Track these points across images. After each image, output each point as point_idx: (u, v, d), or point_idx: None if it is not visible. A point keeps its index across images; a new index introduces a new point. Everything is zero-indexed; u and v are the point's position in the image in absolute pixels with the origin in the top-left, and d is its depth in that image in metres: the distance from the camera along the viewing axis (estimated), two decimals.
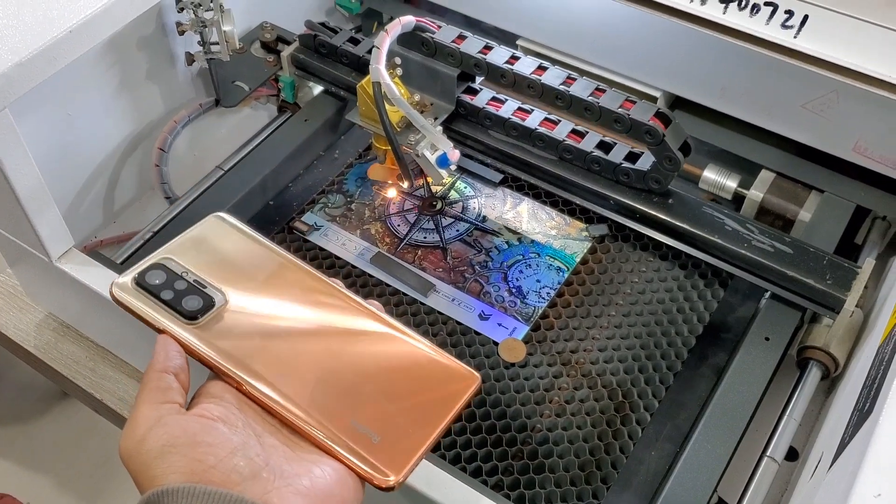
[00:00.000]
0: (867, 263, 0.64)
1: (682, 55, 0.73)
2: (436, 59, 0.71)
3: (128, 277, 0.46)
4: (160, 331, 0.44)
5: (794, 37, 0.65)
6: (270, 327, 0.45)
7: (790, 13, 0.66)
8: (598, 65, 0.81)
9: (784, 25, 0.66)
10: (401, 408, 0.44)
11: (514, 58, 0.70)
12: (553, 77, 0.68)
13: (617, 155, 0.69)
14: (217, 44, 0.75)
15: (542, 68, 0.69)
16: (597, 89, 0.67)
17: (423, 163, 0.68)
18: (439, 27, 0.70)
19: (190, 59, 0.76)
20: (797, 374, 0.65)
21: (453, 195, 0.80)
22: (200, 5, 0.72)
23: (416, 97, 0.72)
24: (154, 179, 0.79)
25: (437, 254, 0.76)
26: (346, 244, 0.76)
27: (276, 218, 0.78)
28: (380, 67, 0.64)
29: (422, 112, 0.71)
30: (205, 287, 0.46)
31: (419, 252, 0.76)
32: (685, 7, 0.70)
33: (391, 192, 0.80)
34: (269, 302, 0.46)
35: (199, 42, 0.75)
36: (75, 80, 0.67)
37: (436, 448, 0.63)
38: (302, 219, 0.78)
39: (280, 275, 0.48)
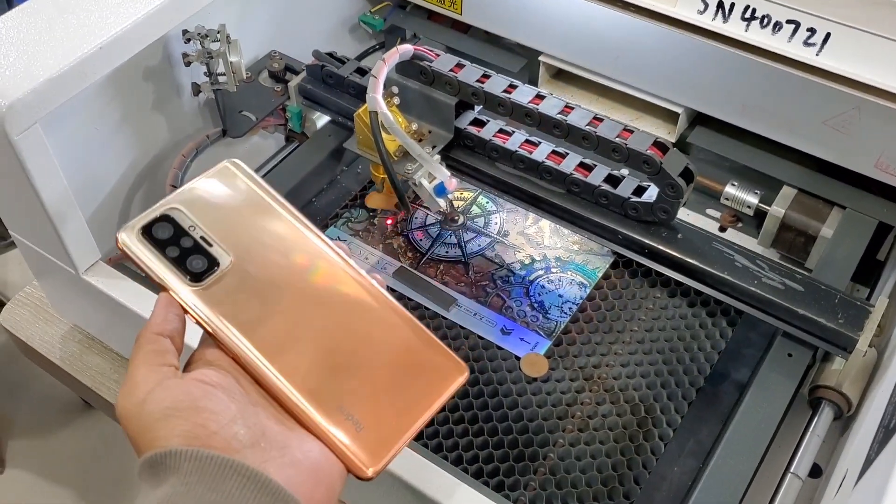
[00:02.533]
0: (880, 302, 0.64)
1: (704, 72, 0.73)
2: (434, 87, 0.71)
3: (135, 227, 0.45)
4: (162, 287, 0.44)
5: (817, 54, 0.66)
6: (271, 296, 0.45)
7: (812, 31, 0.66)
8: (620, 81, 0.81)
9: (806, 43, 0.66)
10: (387, 396, 0.44)
11: (512, 86, 0.69)
12: (550, 106, 0.68)
13: (625, 189, 0.68)
14: (224, 74, 0.75)
15: (539, 97, 0.68)
16: (595, 118, 0.67)
17: (421, 192, 0.68)
18: (437, 55, 0.70)
19: (196, 89, 0.76)
20: (809, 414, 0.64)
21: (475, 210, 0.81)
22: (207, 36, 0.72)
23: (414, 126, 0.72)
24: None
25: (459, 268, 0.76)
26: (368, 258, 0.77)
27: None
28: (376, 96, 0.65)
29: (420, 141, 0.71)
30: (211, 246, 0.45)
31: (441, 266, 0.76)
32: (707, 25, 0.70)
33: (389, 221, 0.80)
34: (273, 269, 0.46)
35: (205, 73, 0.75)
36: (79, 113, 0.67)
37: (458, 461, 0.63)
38: (325, 233, 0.79)
39: (287, 237, 0.47)
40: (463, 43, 0.90)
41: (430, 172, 0.67)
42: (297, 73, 0.81)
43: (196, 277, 0.44)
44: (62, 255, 0.67)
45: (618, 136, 0.65)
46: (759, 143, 0.78)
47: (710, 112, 0.77)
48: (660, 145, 0.64)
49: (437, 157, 0.69)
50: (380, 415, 0.43)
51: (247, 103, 0.80)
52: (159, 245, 0.44)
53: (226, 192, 0.47)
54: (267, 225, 0.47)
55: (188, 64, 0.73)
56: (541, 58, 0.85)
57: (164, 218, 0.45)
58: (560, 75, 0.86)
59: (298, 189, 0.79)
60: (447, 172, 0.66)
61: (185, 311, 0.44)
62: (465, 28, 0.92)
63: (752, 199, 0.76)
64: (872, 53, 0.64)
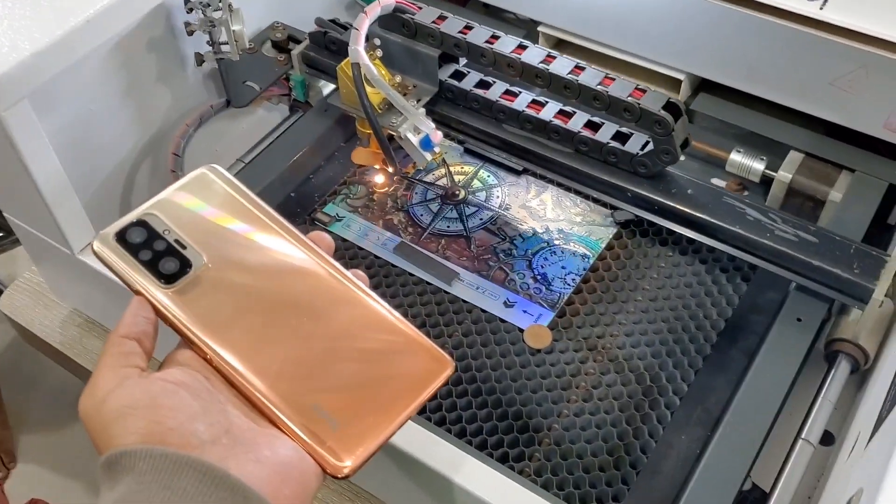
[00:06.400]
0: None
1: (706, 34, 0.72)
2: (416, 40, 0.70)
3: (109, 234, 0.45)
4: (136, 292, 0.44)
5: (821, 8, 0.64)
6: (245, 297, 0.44)
7: None
8: (621, 49, 0.80)
9: None
10: (366, 392, 0.43)
11: (495, 37, 0.68)
12: (532, 56, 0.67)
13: (634, 146, 0.67)
14: (226, 43, 0.75)
15: (521, 47, 0.67)
16: (577, 67, 0.66)
17: (407, 145, 0.67)
18: (420, 8, 0.69)
19: (199, 59, 0.76)
20: (825, 369, 0.63)
21: (476, 184, 0.80)
22: (209, 5, 0.72)
23: (398, 79, 0.71)
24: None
25: (461, 242, 0.75)
26: (368, 234, 0.76)
27: (298, 209, 0.77)
28: (358, 48, 0.64)
29: (404, 94, 0.70)
30: (185, 248, 0.45)
31: (442, 241, 0.75)
32: None
33: (378, 178, 0.79)
34: (248, 269, 0.45)
35: (208, 42, 0.75)
36: (83, 85, 0.66)
37: (462, 434, 0.62)
38: (323, 210, 0.78)
39: (264, 239, 0.46)
40: (461, 15, 0.88)
41: (416, 126, 0.66)
42: (299, 42, 0.80)
43: (168, 280, 0.44)
44: (57, 235, 0.67)
45: (599, 84, 0.64)
46: (764, 108, 0.77)
47: (714, 77, 0.76)
48: (642, 90, 0.63)
49: (422, 110, 0.68)
50: (357, 413, 0.42)
51: (250, 73, 0.80)
52: (132, 249, 0.44)
53: (202, 196, 0.47)
54: (243, 227, 0.46)
55: (191, 33, 0.72)
56: (540, 28, 0.84)
57: (139, 223, 0.45)
58: (560, 46, 0.85)
59: (297, 165, 0.78)
60: (432, 125, 0.66)
61: (158, 314, 0.43)
62: (463, 1, 0.90)
63: (759, 166, 0.75)
64: (879, 4, 0.63)
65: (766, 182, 0.75)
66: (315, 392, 0.42)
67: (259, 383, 0.42)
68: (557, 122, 0.69)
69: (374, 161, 0.73)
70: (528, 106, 0.70)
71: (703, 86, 0.80)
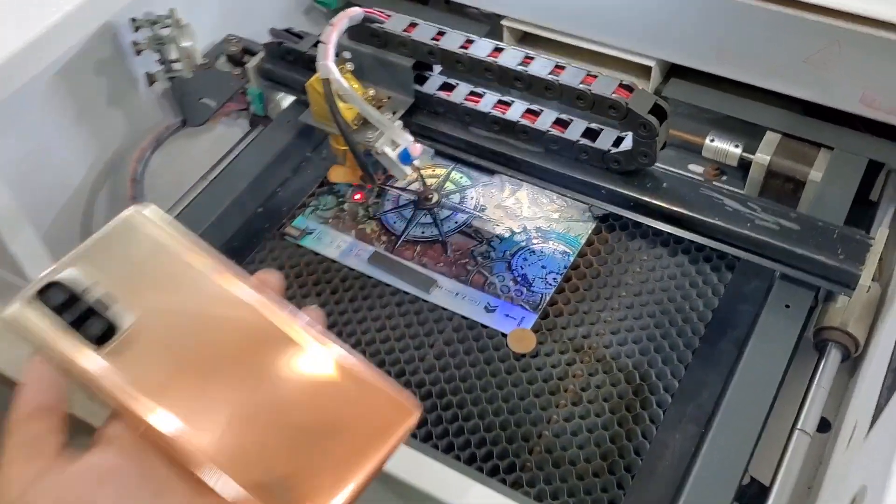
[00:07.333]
0: (880, 233, 0.61)
1: (674, 17, 0.70)
2: (388, 50, 0.68)
3: (23, 298, 0.39)
4: (57, 361, 0.38)
5: None
6: (182, 357, 0.40)
7: None
8: (588, 38, 0.78)
9: None
10: (320, 452, 0.39)
11: (469, 41, 0.66)
12: (510, 58, 0.64)
13: (605, 142, 0.65)
14: (178, 61, 0.72)
15: (498, 50, 0.65)
16: (556, 66, 0.63)
17: (385, 160, 0.65)
18: (389, 17, 0.67)
19: (151, 79, 0.73)
20: (815, 358, 0.62)
21: (449, 186, 0.77)
22: (157, 22, 0.69)
23: (371, 92, 0.68)
24: None
25: (437, 248, 0.73)
26: (341, 246, 0.74)
27: (267, 225, 0.75)
28: (328, 63, 0.61)
29: (379, 107, 0.68)
30: (110, 307, 0.39)
31: (418, 248, 0.73)
32: None
33: (357, 196, 0.77)
34: (185, 324, 0.40)
35: (157, 60, 0.72)
36: (30, 113, 0.64)
37: (449, 448, 0.60)
38: (293, 224, 0.75)
39: (202, 287, 0.41)
40: (423, 15, 0.84)
41: (393, 139, 0.64)
42: (255, 54, 0.78)
43: (93, 344, 0.38)
44: (14, 269, 0.64)
45: (581, 83, 0.62)
46: (737, 91, 0.75)
47: (684, 61, 0.74)
48: (626, 87, 0.61)
49: (399, 122, 0.66)
50: (310, 474, 0.38)
51: (206, 90, 0.77)
52: (50, 314, 0.39)
53: (130, 243, 0.42)
54: (177, 276, 0.42)
55: (139, 52, 0.70)
56: (503, 22, 0.82)
57: (55, 284, 0.39)
58: (525, 39, 0.83)
59: (262, 179, 0.76)
60: (410, 137, 0.63)
61: (86, 384, 0.38)
62: (424, 0, 0.88)
63: (736, 149, 0.73)
64: None
65: (745, 165, 0.73)
66: (265, 458, 0.38)
67: (201, 453, 0.37)
68: (525, 121, 0.67)
69: (352, 178, 0.70)
70: (494, 107, 0.68)
71: (673, 71, 0.78)
